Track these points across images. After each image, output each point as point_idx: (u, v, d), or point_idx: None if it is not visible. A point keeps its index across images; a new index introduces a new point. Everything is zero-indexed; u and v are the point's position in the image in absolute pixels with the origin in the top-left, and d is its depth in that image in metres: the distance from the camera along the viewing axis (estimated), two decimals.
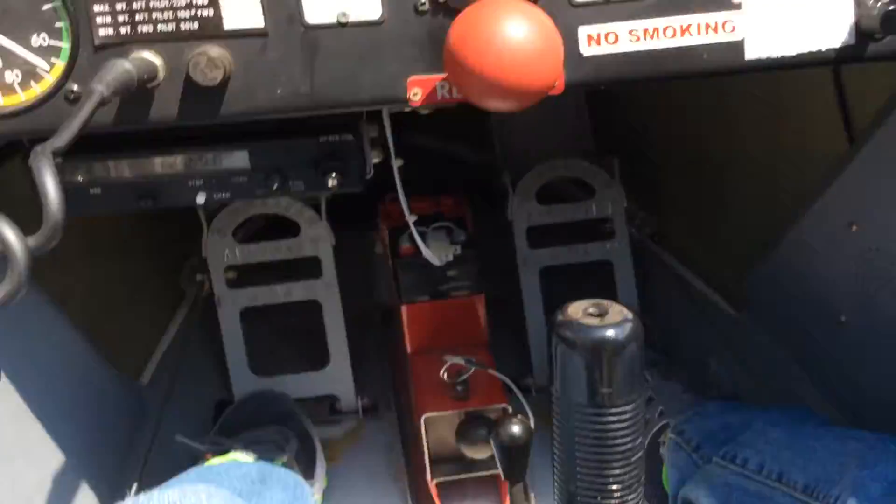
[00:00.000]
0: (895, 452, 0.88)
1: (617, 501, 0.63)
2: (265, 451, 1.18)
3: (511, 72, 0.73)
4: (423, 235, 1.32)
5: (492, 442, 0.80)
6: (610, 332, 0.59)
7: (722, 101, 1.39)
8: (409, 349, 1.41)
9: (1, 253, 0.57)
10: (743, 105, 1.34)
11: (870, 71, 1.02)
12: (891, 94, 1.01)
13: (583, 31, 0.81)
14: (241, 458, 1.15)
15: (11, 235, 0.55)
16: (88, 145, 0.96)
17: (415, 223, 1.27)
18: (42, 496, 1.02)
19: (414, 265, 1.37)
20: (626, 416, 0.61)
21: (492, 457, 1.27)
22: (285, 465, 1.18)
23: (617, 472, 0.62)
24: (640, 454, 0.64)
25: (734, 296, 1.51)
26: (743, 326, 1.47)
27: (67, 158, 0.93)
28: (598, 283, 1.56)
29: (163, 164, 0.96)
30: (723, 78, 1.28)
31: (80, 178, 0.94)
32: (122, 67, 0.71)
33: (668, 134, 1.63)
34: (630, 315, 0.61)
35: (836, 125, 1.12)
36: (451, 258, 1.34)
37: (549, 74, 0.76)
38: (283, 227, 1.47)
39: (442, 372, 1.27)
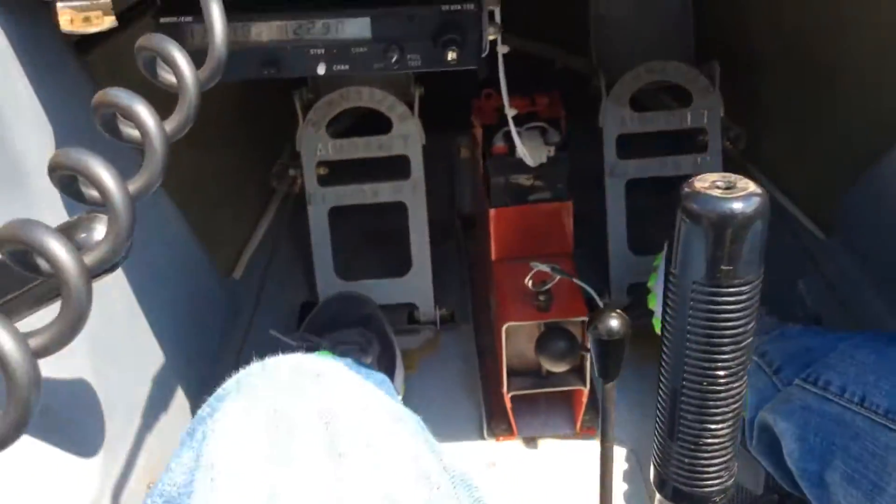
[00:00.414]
0: None
1: (722, 388, 0.61)
2: (350, 352, 1.21)
3: None
4: (516, 134, 1.30)
5: (588, 336, 0.79)
6: (736, 205, 0.56)
7: (834, 7, 1.33)
8: (494, 255, 1.40)
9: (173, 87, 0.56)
10: (857, 13, 1.29)
11: None
12: None
13: None
14: (329, 356, 1.18)
15: (185, 66, 0.55)
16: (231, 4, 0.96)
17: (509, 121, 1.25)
18: (144, 381, 1.05)
19: (505, 165, 1.36)
20: (743, 296, 0.58)
21: (569, 371, 1.27)
22: (369, 366, 1.20)
23: (725, 356, 0.60)
24: (750, 340, 0.61)
25: (824, 219, 1.47)
26: (831, 251, 1.43)
27: (196, 21, 0.94)
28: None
29: (287, 30, 0.96)
30: None
31: (205, 42, 0.95)
32: None
33: (769, 41, 1.58)
34: (759, 190, 0.58)
35: None
36: (544, 159, 1.32)
37: None
38: (372, 129, 1.47)
39: (527, 279, 1.26)
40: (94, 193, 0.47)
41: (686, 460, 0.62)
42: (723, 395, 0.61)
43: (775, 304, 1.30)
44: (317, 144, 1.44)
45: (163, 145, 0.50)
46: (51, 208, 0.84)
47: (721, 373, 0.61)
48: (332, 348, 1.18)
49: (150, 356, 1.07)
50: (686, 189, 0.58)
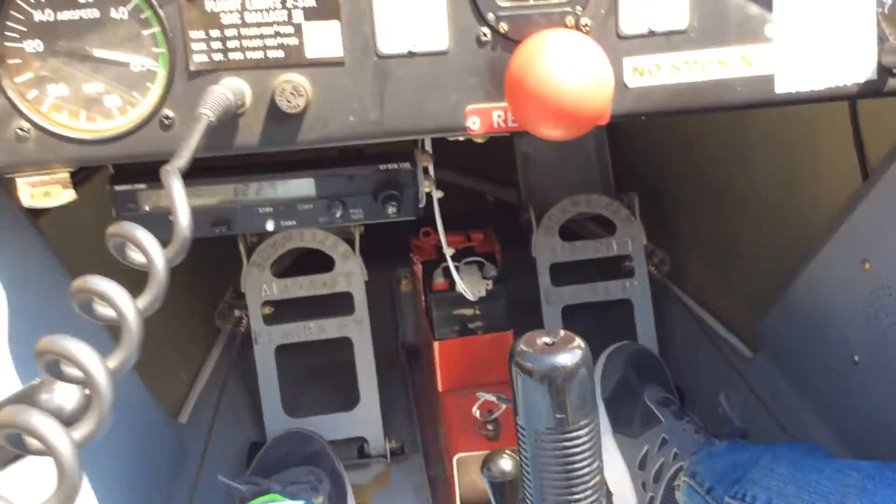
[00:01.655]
0: (891, 479, 0.91)
1: None
2: (301, 492, 1.21)
3: (568, 100, 0.80)
4: (455, 270, 1.37)
5: (483, 478, 0.84)
6: (560, 358, 0.64)
7: (737, 138, 1.46)
8: (440, 387, 1.44)
9: (143, 266, 0.61)
10: (758, 142, 1.42)
11: (885, 107, 1.09)
12: None
13: (628, 63, 0.89)
14: (279, 499, 1.18)
15: (155, 248, 0.59)
16: None
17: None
18: None
19: (446, 300, 1.42)
20: (581, 439, 0.66)
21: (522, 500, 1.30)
22: None
23: (577, 495, 0.66)
24: (598, 477, 0.68)
25: (749, 335, 1.56)
26: (757, 366, 1.51)
27: (151, 186, 0.99)
28: (618, 321, 1.61)
29: (237, 192, 1.02)
30: (738, 114, 1.35)
31: (161, 205, 1.01)
32: (224, 94, 0.77)
33: (683, 171, 1.71)
34: (581, 342, 0.67)
35: (850, 163, 1.19)
36: (483, 293, 1.39)
37: (602, 104, 0.83)
38: (314, 262, 1.51)
39: (475, 409, 1.30)
40: (76, 373, 0.50)
41: None
42: None
43: (706, 423, 1.36)
44: (261, 285, 1.48)
45: (138, 324, 0.54)
46: (12, 365, 0.85)
47: None
48: (282, 490, 1.18)
49: (96, 501, 1.05)
50: (517, 347, 0.65)
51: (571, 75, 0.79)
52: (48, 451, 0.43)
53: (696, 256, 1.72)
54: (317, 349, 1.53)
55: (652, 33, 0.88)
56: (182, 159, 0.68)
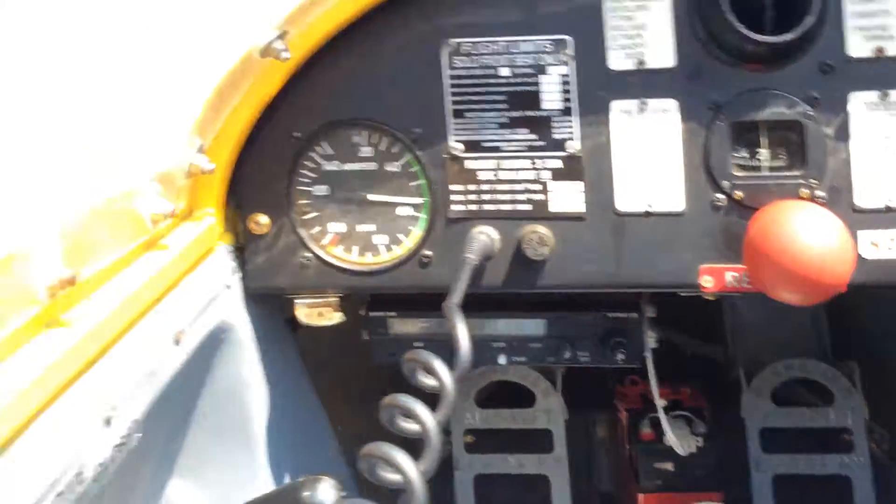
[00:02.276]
0: None
1: None
2: None
3: (810, 267, 0.82)
4: (665, 422, 1.36)
5: None
6: None
7: None
8: None
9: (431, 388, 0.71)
10: None
11: None
12: None
13: (863, 236, 0.90)
14: None
15: (446, 372, 0.70)
16: (421, 305, 1.12)
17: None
18: None
19: (653, 452, 1.40)
20: None
21: None
22: None
23: None
24: None
25: None
26: None
27: (400, 314, 1.09)
28: (834, 497, 1.50)
29: (475, 326, 1.10)
30: None
31: (403, 331, 1.10)
32: (483, 240, 0.87)
33: None
34: None
35: None
36: (693, 449, 1.36)
37: (844, 273, 0.84)
38: (507, 393, 1.53)
39: None
40: (390, 477, 0.59)
41: None
42: None
43: None
44: (465, 413, 1.53)
45: (437, 435, 0.63)
46: (267, 461, 0.96)
47: None
48: None
49: None
50: None
51: (816, 243, 0.82)
52: None
53: None
54: (512, 482, 1.54)
55: (889, 209, 0.89)
56: (458, 296, 0.78)
